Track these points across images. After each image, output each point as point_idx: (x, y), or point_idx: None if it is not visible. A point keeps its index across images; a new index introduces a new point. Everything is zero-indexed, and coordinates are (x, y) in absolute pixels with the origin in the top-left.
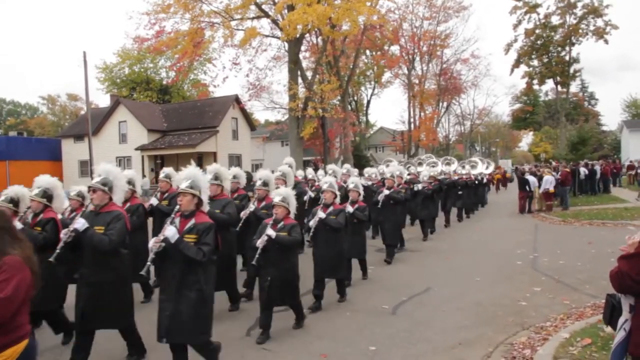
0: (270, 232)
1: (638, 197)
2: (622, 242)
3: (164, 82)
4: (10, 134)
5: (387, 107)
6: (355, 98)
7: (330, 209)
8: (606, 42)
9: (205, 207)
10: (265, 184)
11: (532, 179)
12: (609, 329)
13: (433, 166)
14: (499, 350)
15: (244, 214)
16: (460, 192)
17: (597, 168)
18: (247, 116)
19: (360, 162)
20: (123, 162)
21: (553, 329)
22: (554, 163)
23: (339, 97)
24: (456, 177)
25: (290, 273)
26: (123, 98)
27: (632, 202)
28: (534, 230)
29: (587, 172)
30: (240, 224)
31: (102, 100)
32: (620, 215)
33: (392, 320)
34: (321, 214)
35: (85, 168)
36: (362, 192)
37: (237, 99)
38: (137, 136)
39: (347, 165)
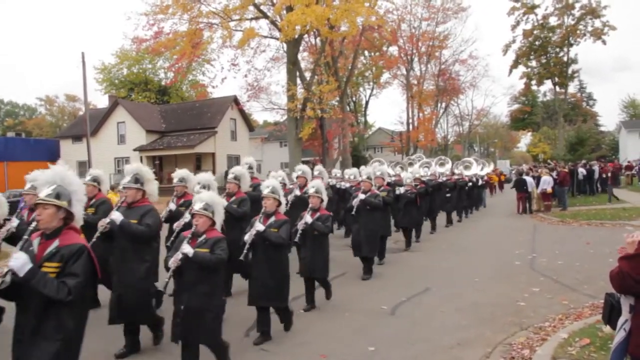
0: (260, 226)
1: None
2: (620, 243)
3: (163, 83)
4: (8, 135)
5: (386, 108)
6: (354, 99)
7: (272, 219)
8: (604, 42)
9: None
10: (236, 178)
11: (529, 179)
12: (607, 329)
13: (426, 167)
14: (498, 350)
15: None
16: (448, 195)
17: (596, 168)
18: (245, 117)
19: (359, 163)
20: (121, 163)
21: (552, 329)
22: (552, 163)
23: (337, 98)
24: (444, 179)
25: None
26: (121, 99)
27: (631, 202)
28: (532, 230)
29: (585, 172)
30: None
31: (101, 101)
32: (618, 216)
33: (391, 321)
34: (259, 226)
35: (84, 169)
36: (324, 198)
37: (235, 100)
38: (136, 137)
39: (319, 167)
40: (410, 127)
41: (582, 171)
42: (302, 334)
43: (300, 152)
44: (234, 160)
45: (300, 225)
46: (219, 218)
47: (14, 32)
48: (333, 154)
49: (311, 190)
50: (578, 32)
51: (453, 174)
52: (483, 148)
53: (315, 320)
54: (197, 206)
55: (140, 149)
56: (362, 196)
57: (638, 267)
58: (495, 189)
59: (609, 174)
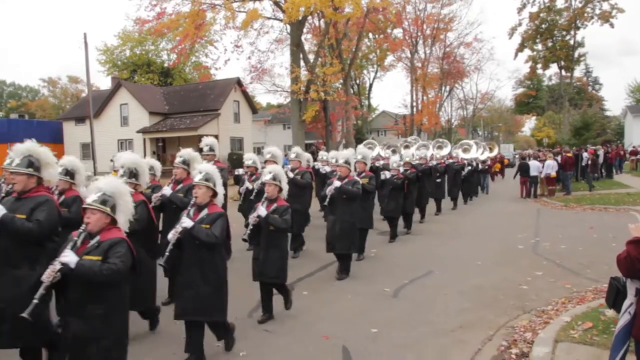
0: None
1: None
2: (623, 227)
3: (166, 65)
4: (11, 117)
5: (390, 91)
6: (358, 81)
7: (204, 212)
8: (612, 26)
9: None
10: (185, 162)
11: (535, 163)
12: (610, 313)
13: (423, 149)
14: (500, 333)
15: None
16: (438, 180)
17: (600, 153)
18: (248, 99)
19: None
20: (125, 145)
21: (554, 313)
22: (559, 149)
23: (341, 81)
24: (434, 162)
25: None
26: (124, 80)
27: (636, 187)
28: (535, 214)
29: (589, 157)
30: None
31: (103, 82)
32: (622, 201)
33: (393, 303)
34: (187, 222)
35: (87, 151)
36: (284, 187)
37: (238, 82)
38: (139, 119)
39: (296, 149)
40: (414, 110)
41: (586, 156)
42: (304, 316)
43: (304, 134)
44: (237, 142)
45: (252, 219)
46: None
47: (16, 13)
48: (336, 136)
49: (267, 177)
50: (585, 14)
51: (450, 157)
52: (487, 132)
53: (318, 302)
54: (88, 200)
55: (143, 131)
56: (337, 183)
57: None
58: (495, 176)
59: (589, 162)
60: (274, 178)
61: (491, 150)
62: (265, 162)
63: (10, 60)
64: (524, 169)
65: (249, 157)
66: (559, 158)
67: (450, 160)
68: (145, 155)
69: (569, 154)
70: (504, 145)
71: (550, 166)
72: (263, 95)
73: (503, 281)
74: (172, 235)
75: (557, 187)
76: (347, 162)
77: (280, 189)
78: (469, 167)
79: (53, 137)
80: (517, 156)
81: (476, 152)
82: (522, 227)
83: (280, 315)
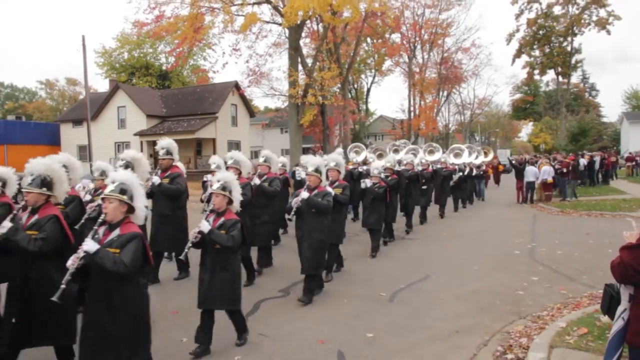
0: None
1: None
2: (619, 233)
3: (164, 68)
4: (8, 118)
5: (387, 96)
6: (356, 86)
7: (115, 233)
8: (609, 32)
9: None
10: (102, 173)
11: (532, 169)
12: (605, 319)
13: (412, 154)
14: (496, 338)
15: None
16: (424, 187)
17: (597, 159)
18: (246, 103)
19: None
20: (122, 147)
21: (550, 318)
22: (559, 156)
23: (339, 85)
24: (420, 168)
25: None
26: (122, 83)
27: (632, 193)
28: (532, 220)
29: (586, 163)
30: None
31: (101, 85)
32: (618, 207)
33: (390, 308)
34: (90, 245)
35: (84, 153)
36: (235, 198)
37: (236, 85)
38: (136, 121)
39: (265, 152)
40: (412, 115)
41: (583, 162)
42: (300, 320)
43: (301, 138)
44: (234, 145)
45: (192, 236)
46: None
47: (14, 15)
48: (334, 141)
49: (215, 186)
50: (582, 21)
51: (437, 163)
52: (484, 137)
53: (314, 306)
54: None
55: (141, 134)
56: (304, 195)
57: (639, 257)
58: (487, 182)
59: (564, 170)
60: (223, 188)
61: (486, 154)
62: (227, 168)
63: (8, 61)
64: (520, 174)
65: (214, 161)
66: (555, 163)
67: (438, 166)
68: None
69: (567, 160)
70: (500, 151)
71: (547, 172)
72: (261, 98)
73: (499, 286)
74: (71, 262)
75: (554, 193)
76: (317, 171)
77: (230, 201)
78: (460, 173)
79: (50, 139)
80: (513, 161)
81: (468, 157)
82: (518, 233)
83: (275, 320)
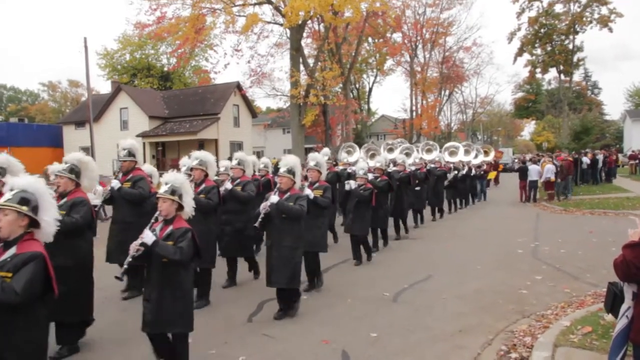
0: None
1: None
2: (623, 232)
3: (165, 69)
4: (11, 120)
5: (389, 95)
6: (357, 86)
7: (10, 252)
8: (610, 30)
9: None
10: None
11: (535, 168)
12: (609, 317)
13: (407, 153)
14: (500, 337)
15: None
16: (417, 188)
17: (600, 157)
18: (248, 103)
19: None
20: None
21: (554, 317)
22: (562, 155)
23: (340, 85)
24: (413, 168)
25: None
26: (124, 84)
27: (635, 191)
28: (535, 219)
29: (589, 161)
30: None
31: (103, 86)
32: (621, 205)
33: (393, 308)
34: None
35: (87, 155)
36: (186, 203)
37: (238, 86)
38: (138, 123)
39: (239, 154)
40: (414, 114)
41: (586, 160)
42: (304, 320)
43: (303, 138)
44: (236, 146)
45: (132, 249)
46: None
47: (16, 17)
48: (336, 141)
49: (162, 189)
50: (584, 19)
51: (432, 162)
52: (486, 136)
53: (318, 306)
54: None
55: (143, 135)
56: (274, 198)
57: None
58: (489, 182)
59: (558, 170)
60: (172, 192)
61: (487, 154)
62: (191, 170)
63: (10, 64)
64: (523, 173)
65: (184, 163)
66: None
67: (432, 165)
68: (144, 160)
69: (569, 158)
70: (502, 149)
71: (550, 170)
72: (263, 99)
73: (502, 285)
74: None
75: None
76: (289, 172)
77: (181, 206)
78: (455, 172)
79: (53, 142)
80: (516, 160)
81: (464, 156)
82: (521, 232)
83: (279, 320)
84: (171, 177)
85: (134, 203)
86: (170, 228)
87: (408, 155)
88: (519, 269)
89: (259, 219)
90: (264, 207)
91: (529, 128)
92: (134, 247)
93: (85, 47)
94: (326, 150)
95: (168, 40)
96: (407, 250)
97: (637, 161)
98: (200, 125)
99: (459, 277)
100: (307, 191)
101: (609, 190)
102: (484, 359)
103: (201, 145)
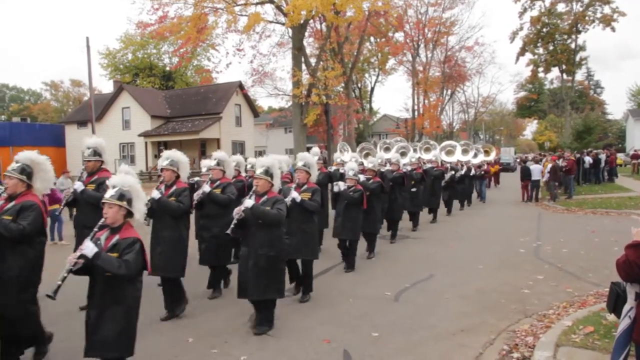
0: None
1: None
2: (625, 231)
3: (167, 68)
4: (13, 120)
5: (391, 95)
6: (359, 85)
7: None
8: (613, 29)
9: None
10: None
11: (537, 167)
12: (611, 317)
13: (402, 152)
14: (502, 337)
15: None
16: (413, 190)
17: (602, 157)
18: (250, 103)
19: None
20: (127, 148)
21: (556, 317)
22: (566, 154)
23: (342, 84)
24: (408, 168)
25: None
26: (126, 84)
27: (637, 191)
28: (537, 218)
29: (591, 161)
30: None
31: (106, 86)
32: (624, 204)
33: (394, 307)
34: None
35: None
36: (136, 209)
37: (240, 86)
38: (141, 122)
39: (218, 154)
40: (416, 114)
41: (588, 160)
42: (305, 320)
43: (305, 138)
44: (238, 146)
45: (70, 262)
46: None
47: (19, 17)
48: (338, 140)
49: (107, 194)
50: (586, 18)
51: (429, 162)
52: (489, 136)
53: (319, 306)
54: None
55: (145, 135)
56: (249, 203)
57: None
58: (490, 182)
59: (550, 171)
60: (120, 196)
61: (487, 153)
62: (161, 170)
63: (13, 63)
64: (525, 173)
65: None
66: (560, 161)
67: (429, 165)
68: (146, 159)
69: (572, 158)
70: (504, 149)
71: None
72: (265, 98)
73: (504, 285)
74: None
75: (559, 191)
76: (266, 173)
77: (129, 213)
78: (452, 172)
79: (55, 141)
80: (517, 160)
81: (462, 155)
82: (523, 231)
83: (280, 319)
84: (119, 180)
85: (97, 207)
86: (116, 237)
87: (404, 154)
88: (521, 269)
89: (231, 225)
90: (237, 212)
91: (531, 127)
92: (71, 260)
93: (88, 46)
94: (316, 149)
95: (170, 39)
96: (408, 250)
97: (639, 160)
98: (202, 124)
99: (461, 276)
100: (294, 194)
101: (611, 189)
102: (486, 358)
103: (203, 144)
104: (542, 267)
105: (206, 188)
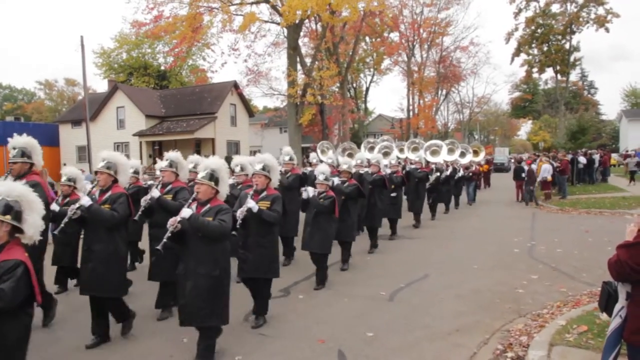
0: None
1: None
2: (619, 231)
3: (162, 68)
4: (7, 119)
5: (386, 95)
6: (355, 85)
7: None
8: (607, 30)
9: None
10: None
11: (531, 167)
12: (604, 316)
13: (386, 151)
14: (496, 336)
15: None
16: (393, 195)
17: (596, 157)
18: (245, 102)
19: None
20: (121, 148)
21: (550, 316)
22: (559, 155)
23: (338, 84)
24: (388, 171)
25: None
26: (121, 83)
27: (631, 191)
28: (531, 218)
29: (585, 161)
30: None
31: (100, 85)
32: (617, 204)
33: (389, 307)
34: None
35: (83, 153)
36: (27, 223)
37: (235, 85)
38: (135, 122)
39: (170, 154)
40: (411, 114)
41: (582, 160)
42: (300, 319)
43: (300, 138)
44: (233, 145)
45: None
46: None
47: (13, 16)
48: (333, 140)
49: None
50: (581, 19)
51: (411, 162)
52: (483, 136)
53: (314, 305)
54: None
55: (140, 134)
56: (185, 213)
57: (636, 256)
58: (480, 183)
59: (526, 174)
60: (5, 210)
61: (476, 153)
62: (96, 173)
63: (7, 62)
64: (519, 173)
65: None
66: (555, 162)
67: (412, 166)
68: (141, 159)
69: (566, 158)
70: (499, 149)
71: (547, 170)
72: (260, 98)
73: (499, 285)
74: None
75: (553, 191)
76: (211, 177)
77: (16, 229)
78: (437, 174)
79: (49, 140)
80: (512, 160)
81: (448, 155)
82: (517, 231)
83: (276, 319)
84: (4, 189)
85: None
86: None
87: (386, 154)
88: (515, 269)
89: (164, 239)
90: (172, 222)
91: (525, 128)
92: None
93: (82, 45)
94: (287, 149)
95: (165, 39)
96: (403, 250)
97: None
98: (197, 124)
99: (455, 276)
100: (250, 203)
101: (605, 189)
102: (481, 358)
103: (198, 144)
104: (536, 267)
105: (155, 193)
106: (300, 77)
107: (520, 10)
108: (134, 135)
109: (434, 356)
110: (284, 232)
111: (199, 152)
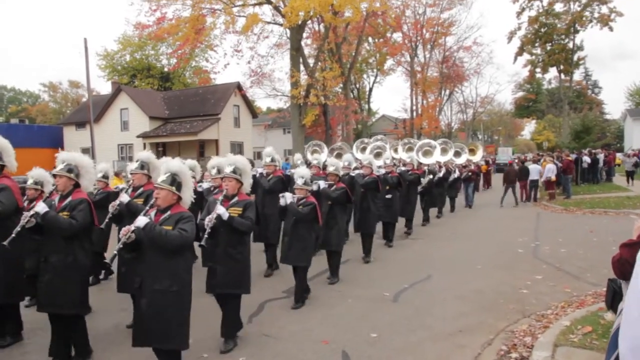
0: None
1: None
2: (623, 231)
3: (165, 69)
4: (11, 122)
5: (389, 95)
6: (358, 86)
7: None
8: (611, 29)
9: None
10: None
11: (535, 167)
12: (609, 316)
13: (378, 152)
14: (500, 337)
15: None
16: (388, 196)
17: (600, 157)
18: (248, 104)
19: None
20: (125, 149)
21: (554, 317)
22: (564, 155)
23: (341, 85)
24: (382, 172)
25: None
26: (124, 85)
27: (635, 191)
28: (535, 218)
29: (589, 160)
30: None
31: (104, 87)
32: (622, 204)
33: (393, 308)
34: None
35: (87, 155)
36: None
37: (238, 86)
38: (139, 123)
39: (142, 154)
40: (414, 114)
41: (586, 159)
42: (304, 320)
43: (304, 139)
44: (237, 147)
45: None
46: None
47: (17, 18)
48: (336, 140)
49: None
50: (584, 18)
51: (404, 164)
52: (487, 136)
53: (318, 306)
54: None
55: (144, 136)
56: (142, 221)
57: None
58: (478, 185)
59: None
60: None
61: (473, 152)
62: (54, 175)
63: (11, 65)
64: (523, 173)
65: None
66: (558, 162)
67: (403, 168)
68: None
69: (570, 158)
70: (502, 149)
71: (551, 170)
72: (263, 99)
73: (503, 285)
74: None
75: (557, 191)
76: (172, 182)
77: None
78: (430, 176)
79: (53, 142)
80: (516, 160)
81: (441, 156)
82: (522, 231)
83: (279, 320)
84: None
85: None
86: None
87: (378, 155)
88: (519, 269)
89: (114, 252)
90: (124, 232)
91: (529, 127)
92: None
93: (86, 47)
94: (268, 150)
95: (168, 40)
96: (407, 250)
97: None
98: (201, 125)
99: (459, 276)
100: (220, 209)
101: (609, 189)
102: (484, 358)
103: (201, 145)
104: (540, 267)
105: (124, 198)
106: (304, 78)
107: (523, 10)
108: (138, 136)
109: (437, 357)
110: (265, 239)
111: (202, 154)
